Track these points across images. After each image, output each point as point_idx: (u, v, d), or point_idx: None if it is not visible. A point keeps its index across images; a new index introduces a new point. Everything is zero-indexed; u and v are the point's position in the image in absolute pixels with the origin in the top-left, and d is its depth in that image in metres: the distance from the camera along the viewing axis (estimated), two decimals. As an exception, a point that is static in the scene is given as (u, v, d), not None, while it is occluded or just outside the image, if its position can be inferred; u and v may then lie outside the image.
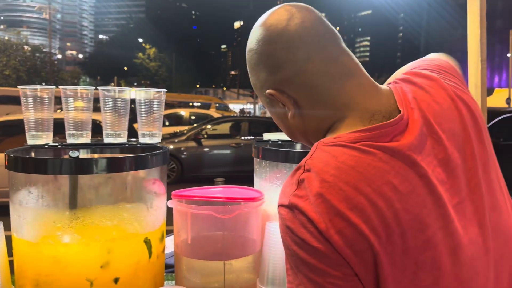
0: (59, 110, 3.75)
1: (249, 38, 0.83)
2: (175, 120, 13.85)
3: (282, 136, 1.55)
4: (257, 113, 31.65)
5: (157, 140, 1.42)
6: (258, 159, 1.37)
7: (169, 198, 1.27)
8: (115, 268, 1.10)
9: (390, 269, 0.65)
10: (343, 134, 0.73)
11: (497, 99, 22.08)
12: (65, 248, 1.09)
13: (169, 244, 1.60)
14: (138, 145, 1.38)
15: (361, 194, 0.66)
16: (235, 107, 34.17)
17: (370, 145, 0.70)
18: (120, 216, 1.16)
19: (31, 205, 1.12)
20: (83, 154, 1.33)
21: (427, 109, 0.76)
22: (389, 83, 0.83)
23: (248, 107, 36.85)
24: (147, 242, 1.16)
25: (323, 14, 0.84)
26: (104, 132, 1.40)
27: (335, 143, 0.72)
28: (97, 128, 1.46)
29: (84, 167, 1.08)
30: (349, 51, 0.79)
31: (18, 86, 1.33)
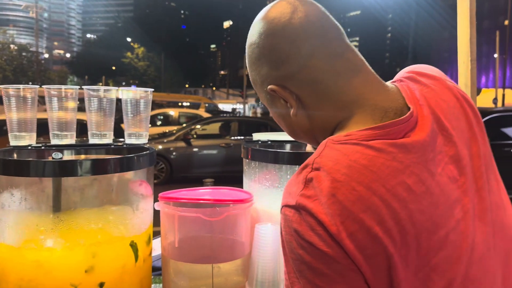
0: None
1: (250, 32, 0.81)
2: (164, 120, 13.77)
3: (271, 136, 1.53)
4: (247, 113, 31.60)
5: (143, 140, 1.39)
6: (247, 160, 1.35)
7: (156, 200, 1.24)
8: (100, 272, 1.07)
9: (404, 272, 0.63)
10: (354, 132, 0.70)
11: (484, 99, 22.34)
12: (49, 252, 1.06)
13: (156, 246, 1.57)
14: (124, 146, 1.35)
15: (375, 195, 0.63)
16: (225, 107, 34.09)
17: (384, 143, 0.68)
18: (105, 219, 1.13)
19: (13, 208, 1.09)
20: (67, 156, 1.30)
21: (436, 106, 0.75)
22: (393, 82, 0.82)
23: (238, 107, 36.81)
24: (133, 246, 1.14)
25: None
26: (89, 133, 1.37)
27: (346, 140, 0.69)
28: (82, 128, 1.42)
29: (67, 169, 1.05)
30: (354, 47, 0.77)
31: (0, 86, 1.29)
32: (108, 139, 1.37)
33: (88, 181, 1.14)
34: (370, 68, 0.78)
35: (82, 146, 1.33)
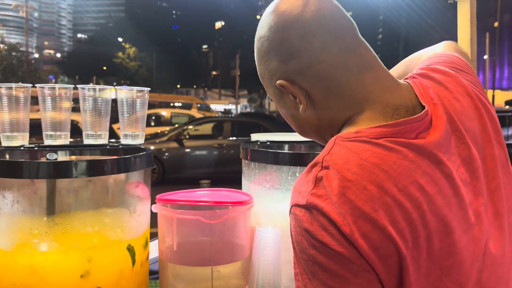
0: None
1: (260, 25, 0.78)
2: (156, 120, 13.68)
3: (270, 137, 1.50)
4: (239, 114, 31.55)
5: (140, 141, 1.36)
6: (246, 161, 1.32)
7: (153, 202, 1.21)
8: (96, 277, 1.04)
9: (415, 274, 0.61)
10: (364, 129, 0.68)
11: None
12: (43, 257, 1.02)
13: (153, 249, 1.54)
14: (120, 146, 1.32)
15: (387, 194, 0.61)
16: (217, 107, 34.02)
17: (395, 141, 0.66)
18: (101, 222, 1.10)
19: (5, 210, 1.05)
20: (61, 157, 1.26)
21: (449, 105, 0.73)
22: (406, 79, 0.79)
23: (231, 107, 36.76)
24: (130, 250, 1.10)
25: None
26: (84, 133, 1.33)
27: (356, 138, 0.67)
28: (74, 129, 1.39)
29: (62, 170, 1.01)
30: (366, 43, 0.75)
31: (-9, 85, 1.25)
32: (104, 140, 1.34)
33: (83, 182, 1.11)
34: (383, 65, 0.75)
35: (76, 146, 1.30)
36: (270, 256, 1.16)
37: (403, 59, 1.06)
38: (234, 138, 8.51)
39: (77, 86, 1.32)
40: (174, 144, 8.37)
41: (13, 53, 37.37)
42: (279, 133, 1.59)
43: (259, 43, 0.78)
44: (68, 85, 1.31)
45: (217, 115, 20.64)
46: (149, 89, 1.36)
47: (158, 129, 10.53)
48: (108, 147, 1.30)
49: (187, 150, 8.43)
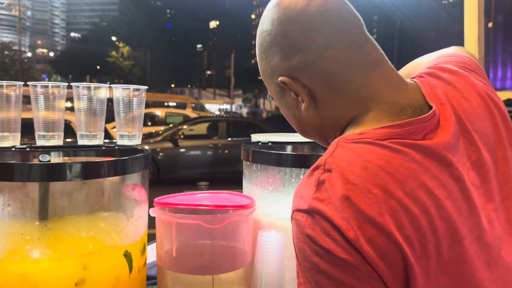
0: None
1: (262, 18, 0.74)
2: (150, 120, 13.59)
3: (271, 137, 1.46)
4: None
5: (137, 142, 1.31)
6: (247, 162, 1.27)
7: (150, 204, 1.16)
8: (91, 285, 0.98)
9: (424, 283, 0.57)
10: (368, 130, 0.65)
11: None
12: (35, 264, 0.97)
13: (151, 253, 1.49)
14: (116, 147, 1.26)
15: (393, 198, 0.57)
16: (211, 107, 33.94)
17: (401, 142, 0.62)
18: (96, 227, 1.05)
19: (-5, 215, 0.99)
20: (54, 158, 1.21)
21: (458, 105, 0.69)
22: (413, 78, 0.75)
23: (225, 107, 36.71)
24: (127, 256, 1.05)
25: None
26: (78, 133, 1.27)
27: (360, 139, 0.63)
28: (67, 129, 1.33)
29: (56, 172, 0.96)
30: (373, 40, 0.71)
31: (-19, 83, 1.19)
32: (99, 140, 1.28)
33: (78, 185, 1.05)
34: (390, 63, 0.71)
35: (70, 147, 1.24)
36: (273, 261, 1.11)
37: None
38: (236, 138, 8.44)
39: (71, 84, 1.26)
40: (169, 144, 8.31)
41: (6, 52, 37.11)
42: (281, 134, 1.54)
43: (261, 37, 0.74)
44: (62, 83, 1.25)
45: (212, 114, 20.58)
46: (146, 87, 1.30)
47: (153, 129, 10.45)
48: (103, 148, 1.25)
49: (182, 150, 8.37)
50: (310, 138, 0.80)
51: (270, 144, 1.41)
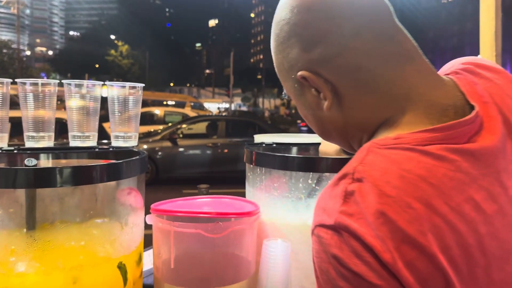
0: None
1: (279, 6, 0.66)
2: (149, 119, 13.51)
3: (276, 138, 1.37)
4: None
5: (133, 143, 1.22)
6: (251, 165, 1.19)
7: (147, 209, 1.07)
8: (82, 301, 0.90)
9: None
10: (406, 134, 0.56)
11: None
12: (20, 278, 0.88)
13: (147, 260, 1.41)
14: (111, 149, 1.18)
15: (437, 214, 0.49)
16: (210, 106, 33.84)
17: (444, 148, 0.54)
18: (88, 236, 0.96)
19: (-22, 223, 0.91)
20: (44, 160, 1.13)
21: (502, 103, 0.60)
22: (447, 74, 0.67)
23: (224, 106, 36.63)
24: (122, 268, 0.97)
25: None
26: (69, 134, 1.19)
27: (396, 145, 0.55)
28: (65, 129, 1.25)
29: (43, 178, 0.87)
30: (405, 29, 0.63)
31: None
32: (92, 141, 1.20)
33: (68, 191, 0.97)
34: (424, 56, 0.63)
35: (61, 149, 1.16)
36: (279, 273, 1.03)
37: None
38: (236, 139, 8.35)
39: (63, 81, 1.18)
40: (168, 143, 8.24)
41: (4, 50, 36.99)
42: (286, 134, 1.46)
43: (278, 27, 0.66)
44: (53, 80, 1.17)
45: (210, 113, 20.49)
46: (143, 85, 1.22)
47: (151, 128, 10.37)
48: (97, 150, 1.17)
49: (181, 149, 8.30)
50: (332, 141, 0.72)
51: (274, 145, 1.32)
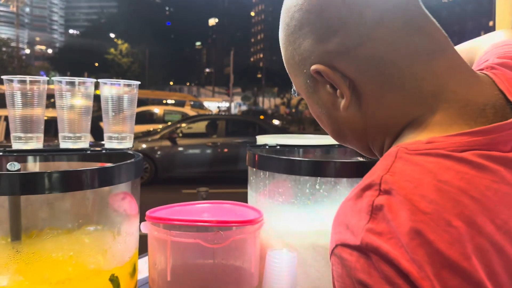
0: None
1: None
2: (148, 118, 13.43)
3: (279, 139, 1.29)
4: (233, 112, 31.38)
5: (128, 144, 1.15)
6: (254, 169, 1.11)
7: (142, 216, 1.00)
8: (70, 318, 0.83)
9: None
10: (439, 138, 0.48)
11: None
12: (1, 293, 0.81)
13: (144, 267, 1.33)
14: (104, 151, 1.10)
15: (481, 234, 0.42)
16: (210, 105, 33.77)
17: (487, 156, 0.46)
18: (78, 246, 0.89)
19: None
20: (31, 163, 1.05)
21: None
22: (481, 69, 0.59)
23: (225, 105, 36.57)
24: (114, 281, 0.89)
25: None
26: (60, 135, 1.12)
27: (430, 150, 0.47)
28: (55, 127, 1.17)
29: (27, 184, 0.80)
30: (434, 19, 0.55)
31: None
32: (84, 143, 1.12)
33: (55, 196, 0.89)
34: (455, 49, 0.55)
35: (50, 151, 1.08)
36: (284, 286, 0.95)
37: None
38: (237, 140, 8.27)
39: (53, 78, 1.10)
40: (167, 143, 8.16)
41: (3, 49, 36.90)
42: (290, 135, 1.39)
43: (288, 15, 0.58)
44: (42, 77, 1.09)
45: (210, 112, 20.42)
46: (139, 82, 1.14)
47: (151, 127, 10.29)
48: (88, 152, 1.09)
49: (180, 148, 8.22)
50: (348, 144, 0.64)
51: (278, 147, 1.25)
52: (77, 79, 1.09)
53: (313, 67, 0.55)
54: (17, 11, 44.37)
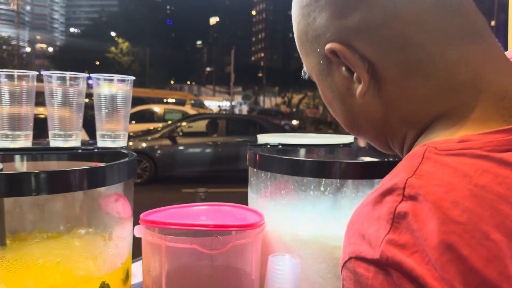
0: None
1: None
2: (148, 116, 13.37)
3: (281, 138, 1.23)
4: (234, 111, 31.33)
5: (121, 143, 1.09)
6: (254, 170, 1.05)
7: (136, 221, 0.94)
8: (56, 329, 0.77)
9: None
10: (474, 136, 0.42)
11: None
12: (-18, 303, 0.75)
13: (138, 271, 1.27)
14: (96, 150, 1.05)
15: None
16: (211, 104, 33.72)
17: None
18: (66, 251, 0.83)
19: None
20: (19, 163, 0.99)
21: None
22: None
23: (226, 104, 36.53)
24: (105, 289, 0.83)
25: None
26: (50, 133, 1.06)
27: (463, 150, 0.41)
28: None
29: (11, 186, 0.74)
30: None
31: None
32: (75, 141, 1.06)
33: (44, 199, 0.84)
34: (493, 35, 0.49)
35: (39, 150, 1.02)
36: (287, 293, 0.90)
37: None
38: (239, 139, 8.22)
39: (42, 72, 1.04)
40: (167, 141, 8.11)
41: (4, 47, 36.88)
42: (292, 134, 1.33)
43: None
44: (31, 72, 1.03)
45: (211, 111, 20.37)
46: (133, 78, 1.08)
47: (151, 126, 10.24)
48: (79, 151, 1.03)
49: (181, 147, 8.17)
50: (362, 136, 0.57)
51: (280, 146, 1.19)
52: (68, 74, 1.04)
53: (328, 45, 0.49)
54: (17, 9, 44.33)
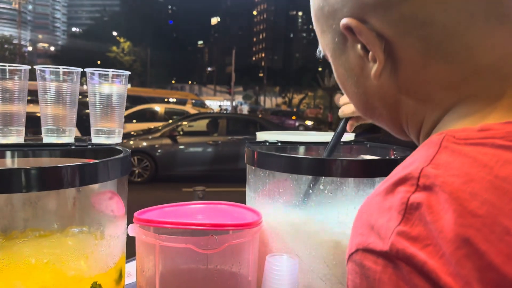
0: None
1: None
2: (149, 115, 13.36)
3: (280, 136, 1.21)
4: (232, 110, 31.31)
5: (116, 140, 1.06)
6: (252, 167, 1.03)
7: (130, 219, 0.92)
8: (45, 331, 0.74)
9: None
10: (495, 125, 0.39)
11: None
12: (-32, 303, 0.73)
13: (133, 270, 1.25)
14: (90, 146, 1.02)
15: None
16: (212, 103, 33.72)
17: None
18: (56, 250, 0.80)
19: None
20: (9, 159, 0.96)
21: None
22: None
23: (226, 103, 36.53)
24: (96, 289, 0.81)
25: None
26: (43, 128, 1.03)
27: (484, 140, 0.38)
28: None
29: (1, 182, 0.71)
30: None
31: None
32: (69, 137, 1.04)
33: (33, 196, 0.81)
34: None
35: (30, 146, 0.99)
36: (284, 295, 0.87)
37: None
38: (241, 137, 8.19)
39: (35, 67, 1.02)
40: (168, 141, 8.10)
41: (6, 46, 36.95)
42: (292, 132, 1.30)
43: None
44: (24, 66, 1.01)
45: (211, 111, 20.35)
46: (129, 73, 1.06)
47: (152, 125, 10.22)
48: (72, 147, 1.00)
49: (181, 146, 8.15)
50: (375, 120, 0.54)
51: (279, 144, 1.16)
52: (61, 68, 1.01)
53: (343, 21, 0.46)
54: (19, 9, 44.38)
